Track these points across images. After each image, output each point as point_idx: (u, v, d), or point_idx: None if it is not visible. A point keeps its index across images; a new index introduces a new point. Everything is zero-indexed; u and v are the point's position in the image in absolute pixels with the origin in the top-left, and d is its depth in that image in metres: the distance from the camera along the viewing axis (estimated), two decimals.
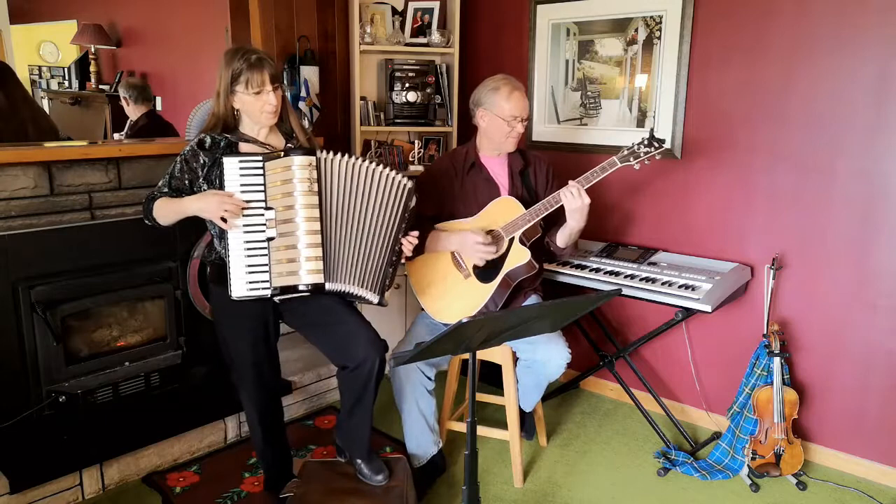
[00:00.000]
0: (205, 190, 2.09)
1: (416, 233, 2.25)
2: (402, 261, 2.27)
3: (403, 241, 2.22)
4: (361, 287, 2.16)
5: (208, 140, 2.10)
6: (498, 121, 2.49)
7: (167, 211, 2.09)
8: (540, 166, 2.66)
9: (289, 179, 2.03)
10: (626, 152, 2.41)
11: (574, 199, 2.37)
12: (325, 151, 2.09)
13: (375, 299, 2.19)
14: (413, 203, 2.21)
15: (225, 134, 2.12)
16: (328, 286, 2.10)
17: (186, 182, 2.11)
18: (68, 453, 2.41)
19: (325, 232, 2.09)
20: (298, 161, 2.03)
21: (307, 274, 2.05)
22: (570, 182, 2.38)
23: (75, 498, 2.41)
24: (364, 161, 2.14)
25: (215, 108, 2.12)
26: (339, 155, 2.11)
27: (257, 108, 2.09)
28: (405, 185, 2.19)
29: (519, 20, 3.37)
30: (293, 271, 2.04)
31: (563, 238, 2.53)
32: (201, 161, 2.08)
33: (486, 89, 2.52)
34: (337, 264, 2.12)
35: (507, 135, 2.51)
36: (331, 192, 2.10)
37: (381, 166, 2.16)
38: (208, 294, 2.86)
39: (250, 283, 2.02)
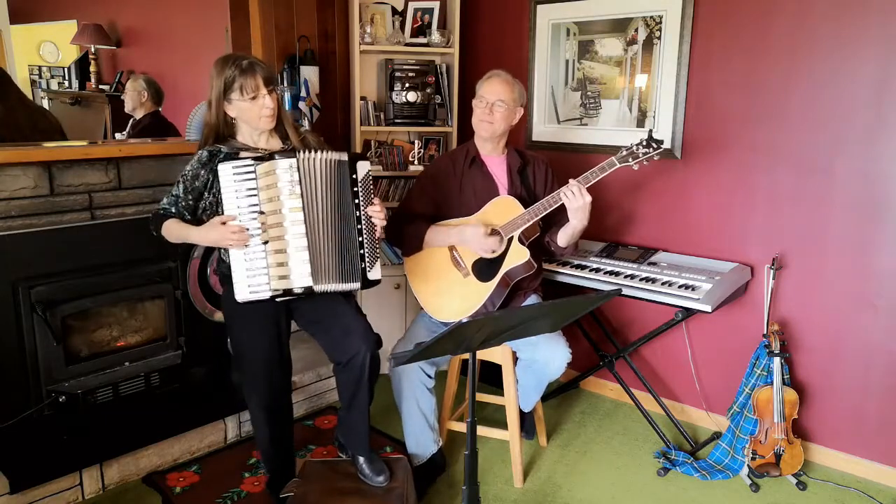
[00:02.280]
0: (211, 201, 2.14)
1: (377, 200, 2.19)
2: (378, 236, 2.21)
3: (368, 212, 2.16)
4: (344, 282, 2.15)
5: (205, 154, 2.13)
6: (476, 104, 2.56)
7: (175, 234, 2.14)
8: (539, 166, 2.66)
9: (273, 184, 2.04)
10: (624, 153, 2.42)
11: (575, 199, 2.37)
12: (305, 151, 2.07)
13: (357, 286, 2.18)
14: (359, 174, 2.13)
15: (219, 145, 2.14)
16: (317, 288, 2.10)
17: (191, 201, 2.15)
18: (68, 453, 2.41)
19: (310, 234, 2.09)
20: (281, 165, 2.03)
21: (299, 277, 2.09)
22: (571, 181, 2.39)
23: (75, 498, 2.41)
24: (323, 153, 2.09)
25: (208, 117, 2.15)
26: (314, 153, 2.07)
27: (255, 113, 2.10)
28: (337, 160, 2.11)
29: (519, 20, 3.37)
30: (285, 275, 2.07)
31: (564, 237, 2.53)
32: (202, 178, 2.13)
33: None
34: (322, 264, 2.12)
35: (479, 118, 2.55)
36: (311, 193, 2.08)
37: (321, 153, 2.08)
38: (209, 294, 2.88)
39: (251, 286, 2.07)
